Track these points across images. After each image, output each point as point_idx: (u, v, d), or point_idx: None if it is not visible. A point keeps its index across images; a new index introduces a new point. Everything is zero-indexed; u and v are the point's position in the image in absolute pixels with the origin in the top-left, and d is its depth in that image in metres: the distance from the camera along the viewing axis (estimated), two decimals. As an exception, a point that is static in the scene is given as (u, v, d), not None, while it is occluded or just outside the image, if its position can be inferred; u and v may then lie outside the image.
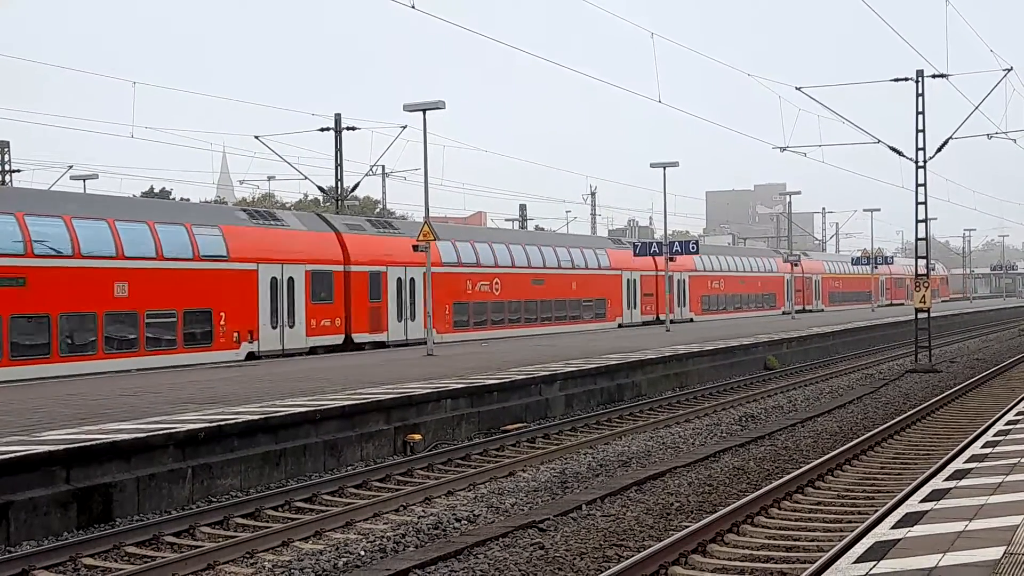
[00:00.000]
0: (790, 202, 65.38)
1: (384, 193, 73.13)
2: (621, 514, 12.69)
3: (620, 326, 47.71)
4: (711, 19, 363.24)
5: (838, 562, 7.89)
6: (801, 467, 15.21)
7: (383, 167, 64.89)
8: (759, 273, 64.07)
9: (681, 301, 54.06)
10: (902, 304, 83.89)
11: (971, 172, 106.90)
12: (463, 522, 12.38)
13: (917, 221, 33.40)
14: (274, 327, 30.45)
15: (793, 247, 65.27)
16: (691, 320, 54.18)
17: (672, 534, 11.29)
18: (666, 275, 45.42)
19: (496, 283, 40.25)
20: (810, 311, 69.64)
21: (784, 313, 63.17)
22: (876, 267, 70.35)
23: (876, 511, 11.82)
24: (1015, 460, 11.58)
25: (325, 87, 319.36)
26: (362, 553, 11.04)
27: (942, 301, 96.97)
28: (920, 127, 32.78)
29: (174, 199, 65.71)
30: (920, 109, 32.74)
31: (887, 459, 16.71)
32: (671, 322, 46.60)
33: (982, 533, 8.14)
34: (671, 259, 44.71)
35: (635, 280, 49.79)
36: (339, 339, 32.93)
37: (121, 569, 10.63)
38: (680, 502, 13.41)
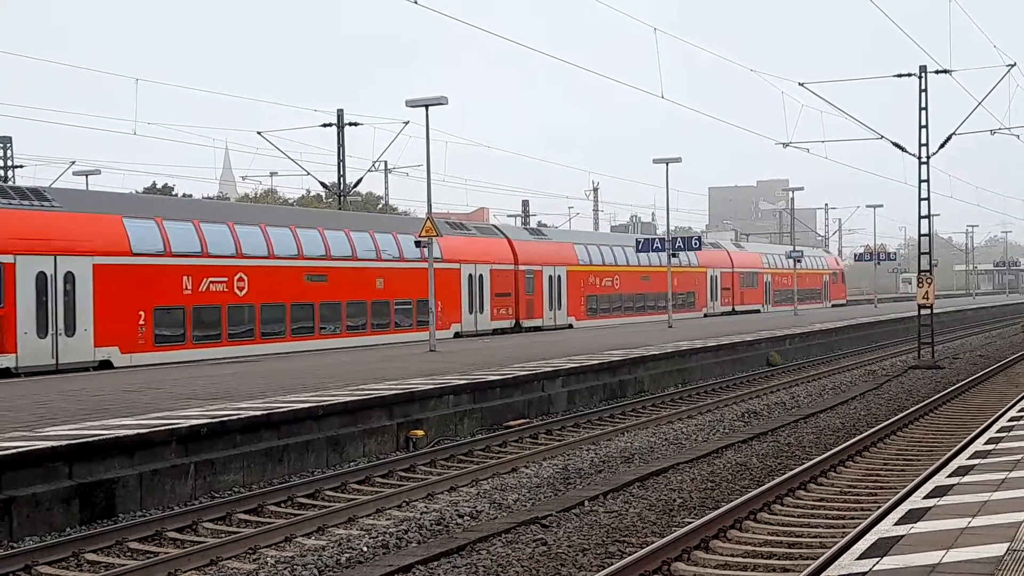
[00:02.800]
0: (793, 198, 65.46)
1: (387, 189, 73.22)
2: (624, 510, 12.69)
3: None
4: (714, 14, 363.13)
5: (841, 559, 7.88)
6: (804, 463, 15.21)
7: (385, 163, 64.80)
8: (380, 262, 34.18)
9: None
10: (757, 311, 61.41)
11: (974, 168, 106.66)
12: (466, 518, 12.38)
13: (920, 217, 33.38)
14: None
15: (796, 243, 63.72)
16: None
17: (675, 530, 11.29)
18: (668, 273, 42.93)
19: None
20: (531, 328, 40.14)
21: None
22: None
23: (879, 507, 11.81)
24: (1018, 456, 11.57)
25: (328, 83, 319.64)
26: (365, 549, 11.04)
27: (832, 306, 70.09)
28: (923, 123, 32.73)
29: (182, 195, 66.18)
30: (923, 105, 32.68)
31: (890, 455, 16.71)
32: None
33: (985, 530, 8.13)
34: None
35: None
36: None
37: (124, 564, 10.62)
38: (683, 498, 13.41)
